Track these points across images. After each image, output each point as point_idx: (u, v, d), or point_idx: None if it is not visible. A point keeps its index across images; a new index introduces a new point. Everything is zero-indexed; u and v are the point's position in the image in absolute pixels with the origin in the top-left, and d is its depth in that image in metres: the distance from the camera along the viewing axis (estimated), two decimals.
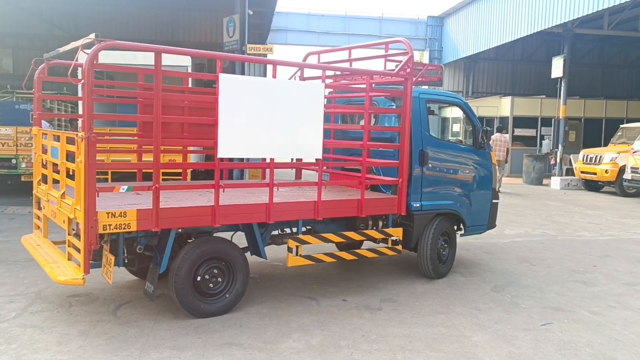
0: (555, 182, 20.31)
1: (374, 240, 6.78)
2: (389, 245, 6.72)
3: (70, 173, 5.07)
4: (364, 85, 6.52)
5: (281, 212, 5.80)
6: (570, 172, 21.06)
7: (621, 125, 20.34)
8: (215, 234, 5.90)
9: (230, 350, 4.85)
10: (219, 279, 5.69)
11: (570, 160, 21.16)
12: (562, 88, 21.01)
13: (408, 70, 6.47)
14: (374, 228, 6.69)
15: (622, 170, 17.55)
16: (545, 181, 21.27)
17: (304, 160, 6.72)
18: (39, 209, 6.47)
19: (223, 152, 5.30)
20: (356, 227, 6.63)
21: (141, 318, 5.57)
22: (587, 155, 19.06)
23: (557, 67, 20.81)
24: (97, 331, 5.19)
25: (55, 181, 5.83)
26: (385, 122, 7.13)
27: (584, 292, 6.87)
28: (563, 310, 6.16)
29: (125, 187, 5.05)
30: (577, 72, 28.64)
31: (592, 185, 19.47)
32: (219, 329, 5.32)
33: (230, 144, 5.31)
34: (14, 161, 13.44)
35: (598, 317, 5.98)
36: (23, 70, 22.43)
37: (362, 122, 7.12)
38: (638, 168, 16.22)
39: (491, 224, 7.92)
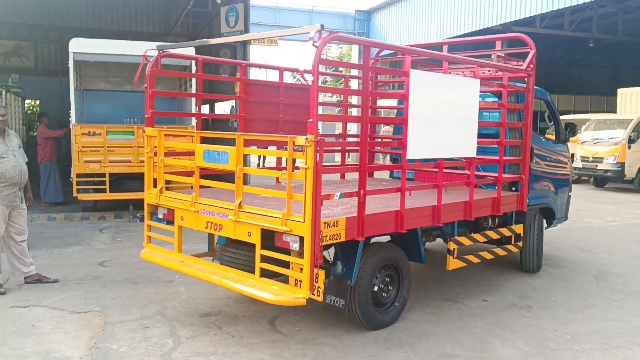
0: None
1: (498, 239, 6.67)
2: (513, 242, 6.70)
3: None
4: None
5: (446, 214, 5.57)
6: None
7: None
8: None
9: None
10: (390, 287, 5.37)
11: None
12: None
13: (532, 66, 6.47)
14: (492, 226, 6.64)
15: None
16: None
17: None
18: (153, 219, 5.74)
19: (412, 153, 4.99)
20: (479, 225, 6.51)
21: (316, 335, 5.11)
22: None
23: None
24: (294, 353, 4.71)
25: (202, 186, 5.21)
26: (489, 118, 7.08)
27: None
28: None
29: (339, 193, 4.58)
30: None
31: None
32: (411, 341, 5.01)
33: (418, 145, 5.01)
34: None
35: None
36: None
37: None
38: (588, 157, 17.56)
39: (566, 215, 8.17)
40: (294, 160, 4.37)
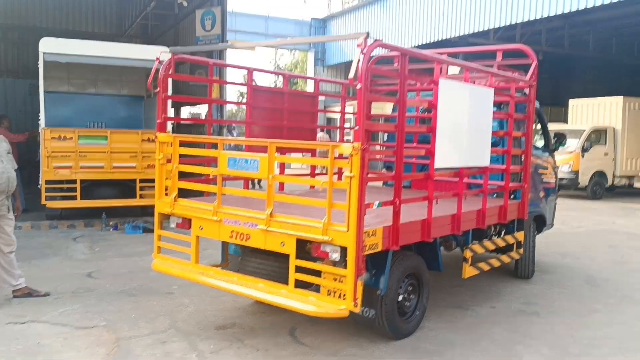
0: None
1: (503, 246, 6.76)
2: (515, 249, 6.82)
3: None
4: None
5: (465, 223, 5.61)
6: None
7: None
8: None
9: None
10: (412, 296, 5.35)
11: None
12: None
13: (534, 77, 6.63)
14: (495, 234, 6.74)
15: None
16: None
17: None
18: (162, 228, 5.51)
19: (440, 162, 4.99)
20: (484, 233, 6.57)
21: (342, 346, 5.01)
22: None
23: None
24: None
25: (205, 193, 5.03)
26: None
27: None
28: None
29: (377, 202, 4.51)
30: None
31: None
32: (438, 350, 5.01)
33: (444, 153, 5.02)
34: None
35: None
36: None
37: None
38: None
39: (553, 223, 8.39)
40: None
